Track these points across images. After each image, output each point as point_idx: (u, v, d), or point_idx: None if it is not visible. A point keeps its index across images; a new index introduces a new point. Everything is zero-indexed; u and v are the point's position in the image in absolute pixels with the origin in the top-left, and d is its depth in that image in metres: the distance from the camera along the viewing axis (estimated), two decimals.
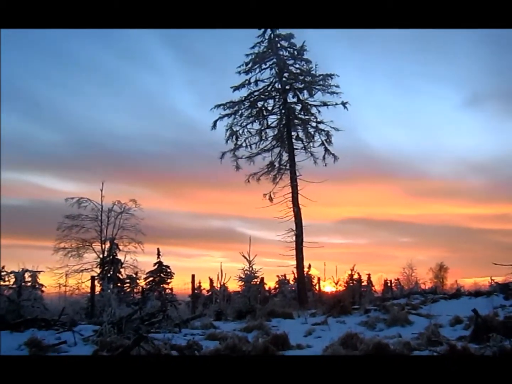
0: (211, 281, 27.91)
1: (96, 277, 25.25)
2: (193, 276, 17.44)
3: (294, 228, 21.83)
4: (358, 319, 13.76)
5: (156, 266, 30.90)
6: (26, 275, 12.82)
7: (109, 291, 10.41)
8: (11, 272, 12.39)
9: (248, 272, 14.95)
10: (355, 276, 31.81)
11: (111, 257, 28.11)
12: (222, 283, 16.65)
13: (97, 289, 18.08)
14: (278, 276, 31.93)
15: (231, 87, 22.13)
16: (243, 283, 16.23)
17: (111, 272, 28.86)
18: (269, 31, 22.21)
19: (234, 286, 23.08)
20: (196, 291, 30.54)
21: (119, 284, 29.32)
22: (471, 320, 10.75)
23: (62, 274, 22.97)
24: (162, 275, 31.17)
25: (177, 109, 40.25)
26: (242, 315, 13.86)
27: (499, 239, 42.37)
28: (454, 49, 37.21)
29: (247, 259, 14.61)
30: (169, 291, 30.62)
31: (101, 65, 39.48)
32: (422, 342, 8.70)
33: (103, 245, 25.63)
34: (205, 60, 37.20)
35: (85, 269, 24.72)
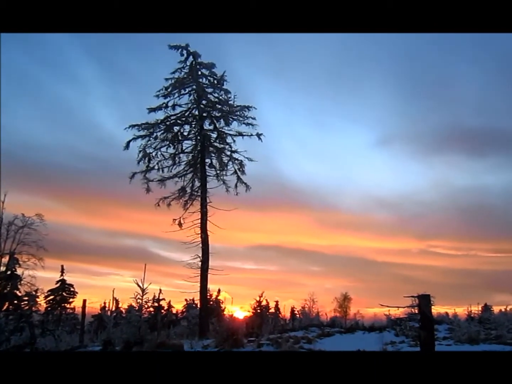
0: (116, 302, 27.15)
1: None
2: (84, 301, 16.78)
3: (200, 255, 21.80)
4: None
5: (58, 284, 29.53)
6: None
7: None
8: None
9: (140, 300, 14.68)
10: (264, 303, 32.48)
11: (9, 272, 26.61)
12: (112, 309, 16.17)
13: None
14: (186, 299, 31.75)
15: (147, 108, 21.97)
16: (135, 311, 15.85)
17: (8, 289, 27.24)
18: (191, 58, 22.40)
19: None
20: (100, 312, 29.65)
21: (15, 302, 27.68)
22: None
23: None
24: (64, 293, 29.79)
25: (96, 123, 39.42)
26: (130, 346, 13.51)
27: (401, 272, 45.20)
28: (369, 92, 39.83)
29: (140, 287, 14.35)
30: (71, 311, 29.36)
31: (19, 72, 37.72)
32: None
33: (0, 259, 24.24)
34: (128, 77, 36.76)
35: None
